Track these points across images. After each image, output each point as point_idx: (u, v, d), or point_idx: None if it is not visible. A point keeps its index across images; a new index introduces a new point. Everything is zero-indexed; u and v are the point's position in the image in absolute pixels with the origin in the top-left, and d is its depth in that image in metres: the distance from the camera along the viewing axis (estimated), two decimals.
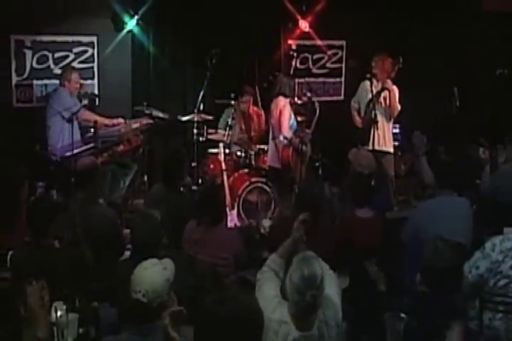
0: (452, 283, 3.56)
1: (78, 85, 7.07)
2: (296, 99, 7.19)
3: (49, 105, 6.92)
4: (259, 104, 7.85)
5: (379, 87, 7.05)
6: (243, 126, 7.44)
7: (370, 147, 6.75)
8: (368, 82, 6.94)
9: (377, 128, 6.84)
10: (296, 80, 7.77)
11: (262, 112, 7.74)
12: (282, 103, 6.95)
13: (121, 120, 7.04)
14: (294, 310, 3.12)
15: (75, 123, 6.65)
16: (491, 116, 7.85)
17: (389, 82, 7.08)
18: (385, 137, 7.13)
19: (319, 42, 8.67)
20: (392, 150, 7.28)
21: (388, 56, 7.10)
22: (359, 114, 7.26)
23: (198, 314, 2.42)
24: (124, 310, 3.28)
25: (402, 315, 3.47)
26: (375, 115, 6.80)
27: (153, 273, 3.05)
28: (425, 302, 3.47)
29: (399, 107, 7.12)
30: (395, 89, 7.11)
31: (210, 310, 2.39)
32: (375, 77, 7.02)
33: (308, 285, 3.00)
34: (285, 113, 6.91)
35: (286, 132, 6.88)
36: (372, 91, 6.89)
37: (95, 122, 6.60)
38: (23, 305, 3.07)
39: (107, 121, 6.99)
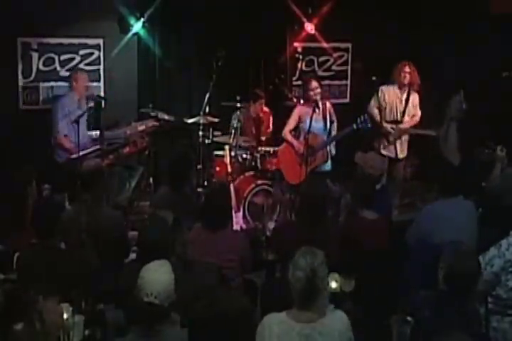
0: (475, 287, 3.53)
1: (85, 87, 7.08)
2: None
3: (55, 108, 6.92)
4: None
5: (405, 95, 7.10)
6: (253, 130, 7.42)
7: (393, 154, 7.03)
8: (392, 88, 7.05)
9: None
10: (301, 83, 7.76)
11: (270, 114, 7.72)
12: (297, 106, 7.04)
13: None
14: (296, 292, 3.15)
15: (82, 125, 6.66)
16: (498, 118, 7.82)
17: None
18: (402, 144, 7.22)
19: (325, 45, 8.66)
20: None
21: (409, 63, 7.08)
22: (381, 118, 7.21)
23: (190, 317, 2.43)
24: (133, 312, 3.27)
25: (409, 318, 3.44)
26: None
27: (163, 274, 3.09)
28: (443, 306, 3.43)
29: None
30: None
31: (199, 313, 2.40)
32: (400, 84, 7.07)
33: (310, 263, 3.16)
34: (291, 115, 6.98)
35: (284, 133, 6.94)
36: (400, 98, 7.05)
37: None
38: (39, 321, 2.94)
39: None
